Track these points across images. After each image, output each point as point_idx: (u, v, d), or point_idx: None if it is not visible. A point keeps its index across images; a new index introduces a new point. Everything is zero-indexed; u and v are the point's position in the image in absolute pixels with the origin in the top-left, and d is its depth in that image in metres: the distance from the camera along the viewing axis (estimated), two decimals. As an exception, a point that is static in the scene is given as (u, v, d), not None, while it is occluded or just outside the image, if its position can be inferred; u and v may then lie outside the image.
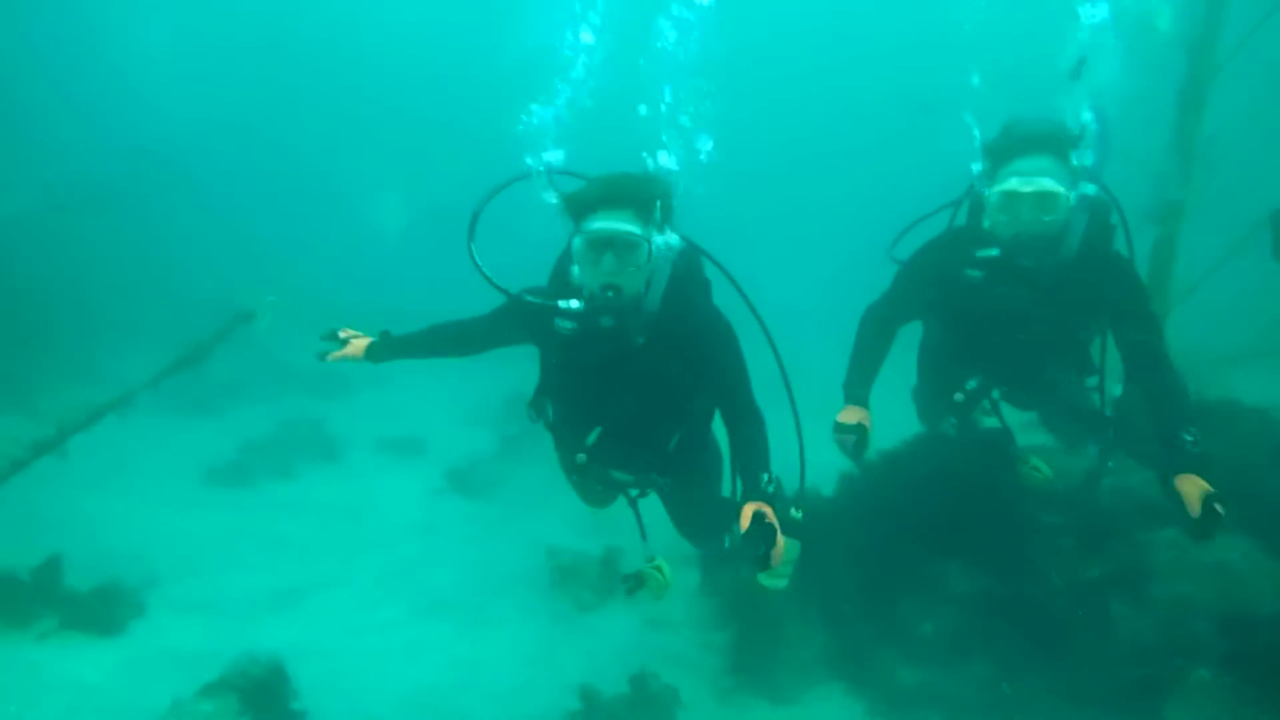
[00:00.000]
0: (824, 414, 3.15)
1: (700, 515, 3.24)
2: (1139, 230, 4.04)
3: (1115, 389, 3.36)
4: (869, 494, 3.89)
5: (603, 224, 2.65)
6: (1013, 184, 2.96)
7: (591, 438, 2.97)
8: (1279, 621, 3.09)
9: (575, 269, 2.76)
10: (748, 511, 2.48)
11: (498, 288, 2.82)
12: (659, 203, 2.70)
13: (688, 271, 2.91)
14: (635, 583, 2.97)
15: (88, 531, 5.09)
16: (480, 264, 2.78)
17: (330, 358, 3.20)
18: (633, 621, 4.15)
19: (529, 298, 2.81)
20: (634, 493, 3.15)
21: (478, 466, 6.70)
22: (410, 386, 8.80)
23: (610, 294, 2.66)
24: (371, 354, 3.19)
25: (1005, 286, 3.13)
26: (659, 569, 2.98)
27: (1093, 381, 3.39)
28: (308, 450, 7.34)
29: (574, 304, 2.72)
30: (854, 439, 3.10)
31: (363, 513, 6.02)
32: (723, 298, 3.00)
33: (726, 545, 3.28)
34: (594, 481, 3.12)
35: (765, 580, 2.87)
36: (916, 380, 3.72)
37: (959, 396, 3.40)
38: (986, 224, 3.10)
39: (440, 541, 5.58)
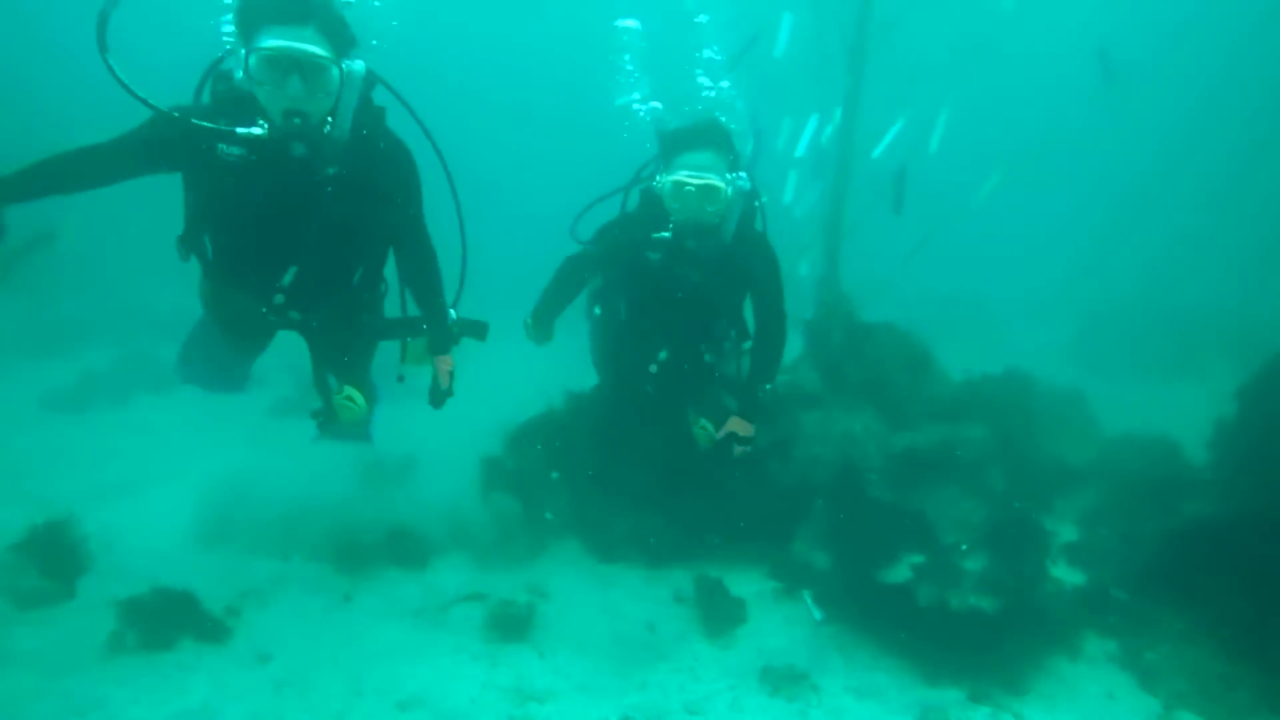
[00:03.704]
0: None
1: (353, 350, 3.28)
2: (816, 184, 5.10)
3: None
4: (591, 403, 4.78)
5: (287, 42, 2.40)
6: (681, 176, 3.37)
7: (288, 277, 2.83)
8: (872, 471, 4.20)
9: (247, 90, 2.47)
10: (442, 365, 3.12)
11: (147, 104, 2.48)
12: (343, 20, 2.53)
13: (368, 98, 2.78)
14: (326, 415, 3.24)
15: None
16: (123, 77, 2.39)
17: None
18: (398, 489, 4.92)
19: (196, 120, 2.48)
20: (296, 330, 3.12)
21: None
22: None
23: (297, 120, 2.46)
24: None
25: (679, 267, 3.62)
26: (350, 399, 3.17)
27: (748, 345, 4.06)
28: (148, 383, 7.70)
29: (256, 130, 2.46)
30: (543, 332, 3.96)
31: (196, 431, 6.53)
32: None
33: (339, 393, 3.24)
34: (266, 324, 2.97)
35: (435, 401, 3.33)
36: (596, 354, 4.25)
37: (654, 368, 3.92)
38: (663, 209, 3.51)
39: (268, 455, 6.17)
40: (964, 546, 3.86)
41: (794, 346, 4.48)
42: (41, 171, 2.59)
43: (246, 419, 6.92)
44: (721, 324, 4.04)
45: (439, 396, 3.33)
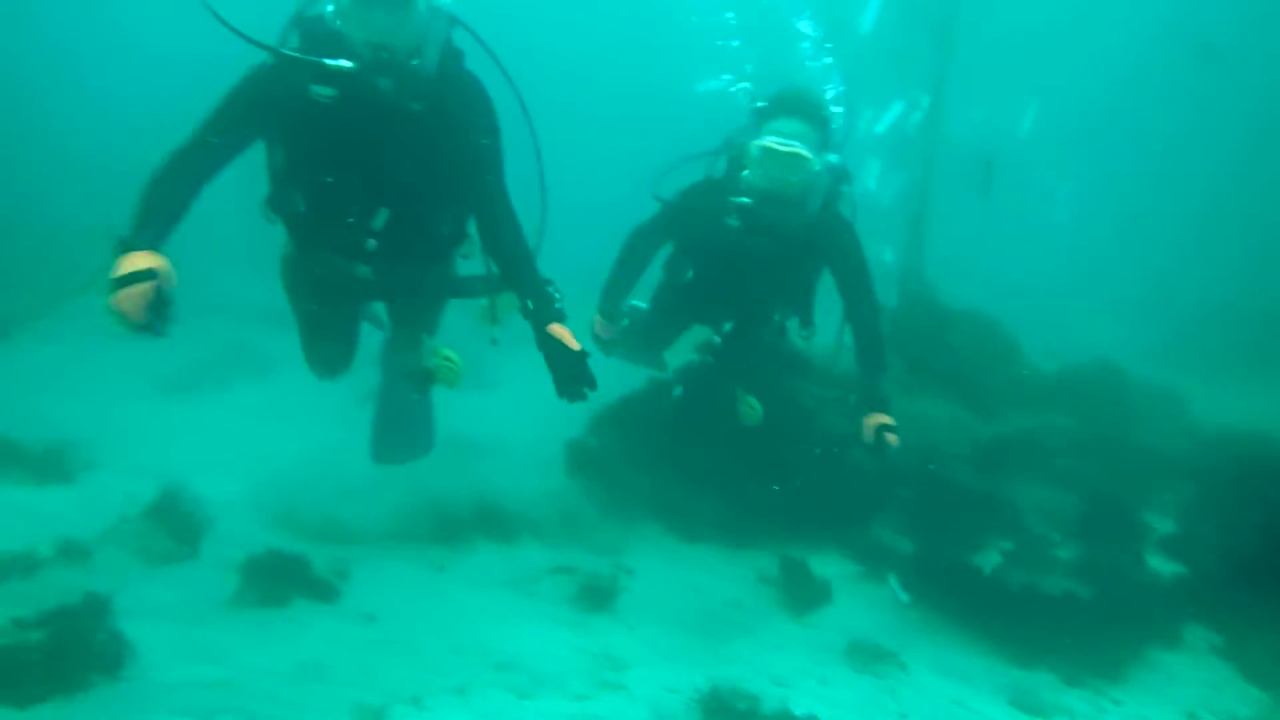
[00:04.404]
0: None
1: (427, 308, 3.23)
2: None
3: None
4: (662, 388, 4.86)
5: None
6: (769, 141, 3.36)
7: (379, 220, 2.74)
8: (950, 452, 4.18)
9: (333, 22, 2.46)
10: (561, 333, 2.74)
11: (257, 44, 2.48)
12: None
13: (449, 39, 2.74)
14: (425, 379, 3.19)
15: (36, 415, 5.90)
16: (230, 20, 2.37)
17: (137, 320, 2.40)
18: (487, 470, 5.12)
19: (285, 51, 2.49)
20: (382, 295, 3.10)
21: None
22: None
23: (385, 54, 2.44)
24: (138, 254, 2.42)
25: (756, 236, 3.51)
26: (448, 359, 3.15)
27: (807, 332, 3.98)
28: (247, 369, 8.18)
29: (344, 63, 2.44)
30: (612, 340, 3.94)
31: (292, 414, 6.90)
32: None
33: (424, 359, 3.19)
34: (354, 286, 2.86)
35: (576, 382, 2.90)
36: (650, 314, 4.21)
37: (717, 340, 3.92)
38: (745, 174, 3.45)
39: (358, 436, 6.48)
40: (1056, 536, 3.81)
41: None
42: (159, 199, 2.54)
43: (336, 405, 7.28)
44: (786, 302, 3.97)
45: (578, 363, 2.72)
